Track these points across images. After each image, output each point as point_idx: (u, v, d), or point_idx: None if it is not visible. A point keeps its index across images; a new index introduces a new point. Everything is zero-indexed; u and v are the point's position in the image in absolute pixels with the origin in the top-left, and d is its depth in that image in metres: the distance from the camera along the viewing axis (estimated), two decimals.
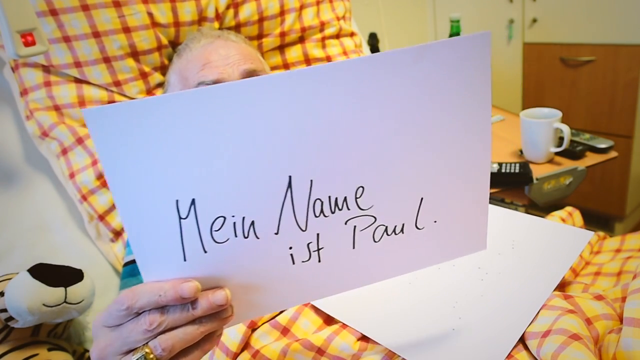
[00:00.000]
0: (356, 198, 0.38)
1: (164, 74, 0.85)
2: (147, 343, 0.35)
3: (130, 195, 0.33)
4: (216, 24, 0.86)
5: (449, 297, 0.53)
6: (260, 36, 0.90)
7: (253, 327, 0.56)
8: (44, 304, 0.55)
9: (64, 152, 0.77)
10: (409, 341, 0.48)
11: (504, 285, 0.54)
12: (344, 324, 0.51)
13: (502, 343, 0.46)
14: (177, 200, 0.34)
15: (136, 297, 0.35)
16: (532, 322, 0.48)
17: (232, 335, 0.57)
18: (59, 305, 0.56)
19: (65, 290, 0.57)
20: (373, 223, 0.39)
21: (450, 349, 0.46)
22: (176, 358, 0.36)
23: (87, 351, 0.69)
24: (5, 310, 0.55)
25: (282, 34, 0.92)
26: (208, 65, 0.73)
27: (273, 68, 0.95)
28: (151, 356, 0.35)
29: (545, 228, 0.63)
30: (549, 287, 0.52)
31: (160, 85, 0.86)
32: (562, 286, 0.53)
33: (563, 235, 0.61)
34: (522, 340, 0.47)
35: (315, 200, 0.37)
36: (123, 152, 0.32)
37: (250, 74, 0.74)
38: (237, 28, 0.89)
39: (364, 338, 0.50)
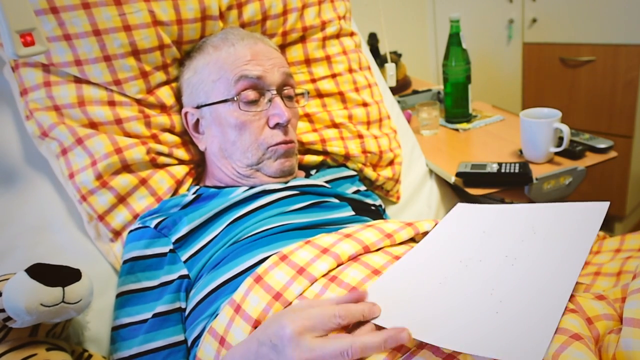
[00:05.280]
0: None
1: (166, 73, 0.85)
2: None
3: None
4: (220, 24, 0.86)
5: (484, 287, 0.53)
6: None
7: (257, 327, 0.56)
8: (41, 304, 0.54)
9: (64, 152, 0.77)
10: (459, 335, 0.46)
11: (536, 266, 0.54)
12: None
13: (548, 314, 0.45)
14: None
15: (350, 313, 0.49)
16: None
17: (237, 335, 0.57)
18: (57, 305, 0.56)
19: (63, 290, 0.56)
20: None
21: (498, 332, 0.45)
22: None
23: (86, 351, 0.68)
24: (3, 311, 0.55)
25: (284, 34, 0.92)
26: (253, 61, 0.78)
27: None
28: None
29: (560, 210, 0.65)
30: (578, 262, 0.52)
31: (163, 84, 0.85)
32: None
33: (579, 212, 0.62)
34: None
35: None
36: None
37: (289, 75, 0.82)
38: (241, 28, 0.88)
39: None
